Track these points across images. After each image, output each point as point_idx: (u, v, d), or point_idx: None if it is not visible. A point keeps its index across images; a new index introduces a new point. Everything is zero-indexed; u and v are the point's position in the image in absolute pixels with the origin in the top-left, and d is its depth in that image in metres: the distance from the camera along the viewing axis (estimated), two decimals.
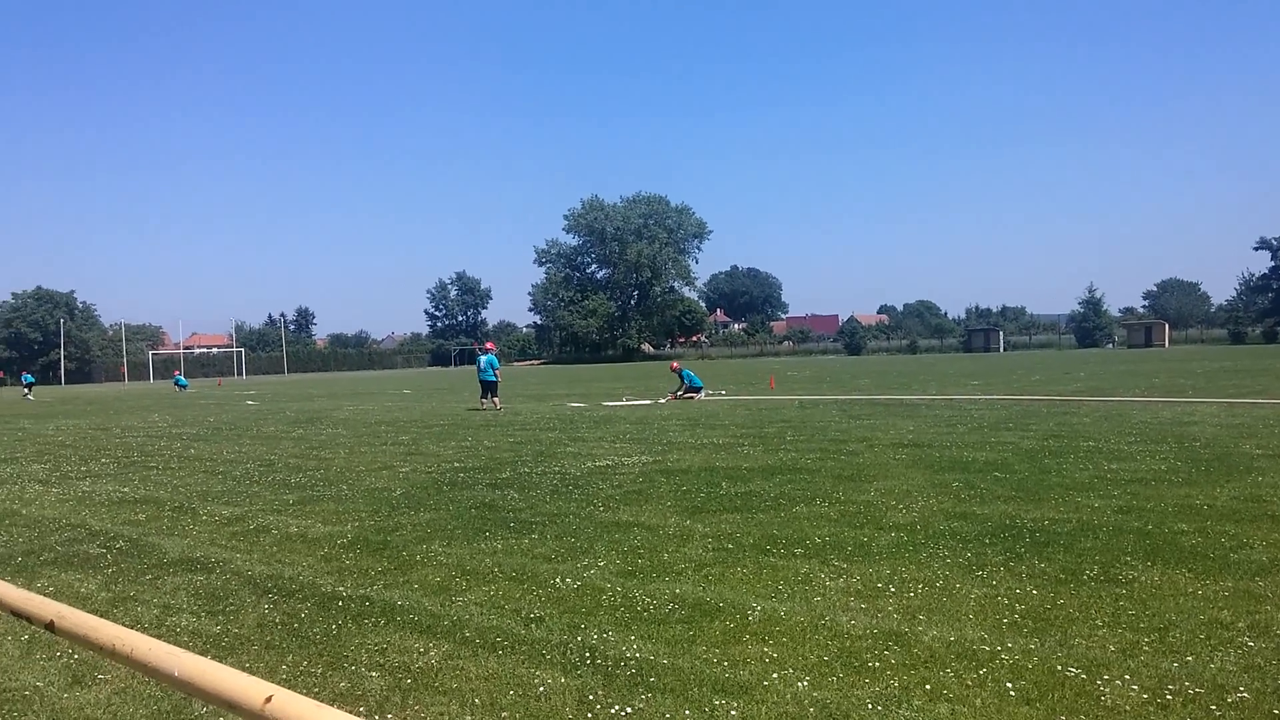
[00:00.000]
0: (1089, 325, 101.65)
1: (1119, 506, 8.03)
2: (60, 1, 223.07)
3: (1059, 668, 4.30)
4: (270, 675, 4.69)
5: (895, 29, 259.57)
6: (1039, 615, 5.10)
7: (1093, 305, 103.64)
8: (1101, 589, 5.55)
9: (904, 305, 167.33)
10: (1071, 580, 5.75)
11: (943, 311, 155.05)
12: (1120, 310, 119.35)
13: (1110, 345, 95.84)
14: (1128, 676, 4.16)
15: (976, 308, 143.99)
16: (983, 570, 6.08)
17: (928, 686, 4.14)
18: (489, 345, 26.84)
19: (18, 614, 1.76)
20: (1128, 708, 3.84)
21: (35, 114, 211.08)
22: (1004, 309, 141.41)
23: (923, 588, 5.72)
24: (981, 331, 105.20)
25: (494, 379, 24.58)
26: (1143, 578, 5.76)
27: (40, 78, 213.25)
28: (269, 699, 1.19)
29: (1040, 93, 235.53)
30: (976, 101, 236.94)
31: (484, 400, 24.64)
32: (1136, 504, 8.11)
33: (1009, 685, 4.11)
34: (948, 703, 3.96)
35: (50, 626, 1.66)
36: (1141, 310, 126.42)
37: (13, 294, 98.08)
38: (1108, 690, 4.02)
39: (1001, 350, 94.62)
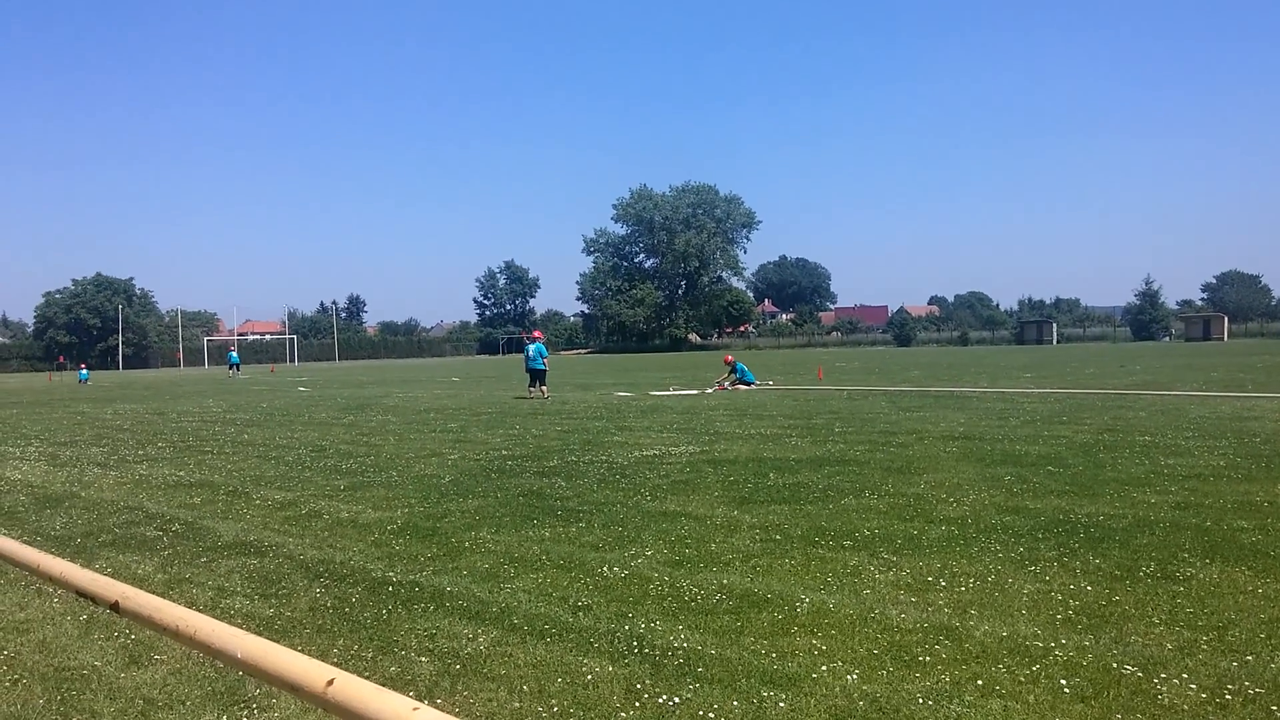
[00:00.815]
0: (1145, 318, 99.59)
1: (1176, 502, 7.86)
2: None
3: (1114, 665, 4.22)
4: (322, 659, 4.75)
5: (950, 15, 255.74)
6: (1094, 612, 5.01)
7: (1149, 297, 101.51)
8: (1158, 586, 5.44)
9: (955, 296, 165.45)
10: (1127, 577, 5.64)
11: (994, 303, 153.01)
12: (1178, 303, 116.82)
13: (1167, 338, 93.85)
14: (1185, 675, 4.07)
15: (1029, 299, 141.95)
16: (1035, 565, 5.98)
17: (979, 682, 4.09)
18: (536, 334, 26.92)
19: (83, 594, 1.80)
20: (1185, 707, 3.76)
21: (96, 103, 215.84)
22: (1057, 301, 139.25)
23: (974, 582, 5.64)
24: (1034, 323, 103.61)
25: (543, 367, 24.66)
26: (1201, 575, 5.63)
27: (103, 69, 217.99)
28: (331, 681, 1.21)
29: (1099, 81, 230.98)
30: (1033, 89, 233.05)
31: (532, 389, 24.75)
32: (1194, 500, 7.93)
33: (1063, 682, 4.05)
34: (1000, 699, 3.91)
35: (115, 607, 1.69)
36: (1200, 303, 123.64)
37: (73, 280, 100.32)
38: (1165, 689, 3.94)
39: (1055, 343, 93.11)
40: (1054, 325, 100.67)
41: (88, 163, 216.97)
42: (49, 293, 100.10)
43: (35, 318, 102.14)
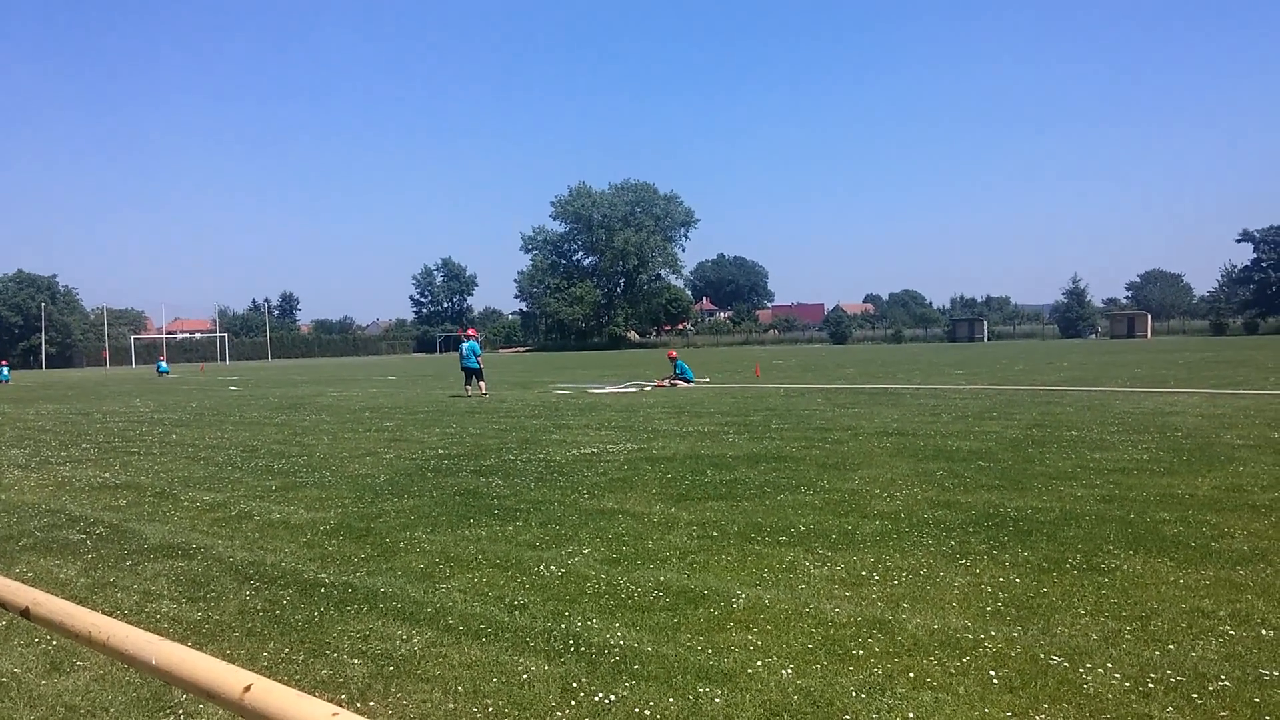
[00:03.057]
0: (1072, 315, 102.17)
1: (1102, 495, 8.07)
2: None
3: (1042, 656, 4.31)
4: (251, 662, 4.67)
5: (879, 14, 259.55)
6: (1022, 604, 5.11)
7: (1076, 295, 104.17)
8: (1084, 577, 5.57)
9: (889, 295, 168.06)
10: (1054, 569, 5.78)
11: (928, 301, 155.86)
12: (1103, 301, 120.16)
13: (1093, 335, 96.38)
14: (1110, 665, 4.18)
15: (961, 297, 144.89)
16: (966, 559, 6.09)
17: (911, 675, 4.15)
18: (471, 332, 26.73)
19: None
20: (1110, 696, 3.86)
21: (18, 98, 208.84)
22: (989, 299, 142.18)
23: (906, 576, 5.73)
24: (966, 321, 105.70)
25: (476, 365, 24.53)
26: (1125, 566, 5.78)
27: (26, 63, 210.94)
28: (248, 688, 1.17)
29: (1026, 80, 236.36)
30: (962, 89, 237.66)
31: (468, 386, 24.58)
32: (1119, 493, 8.15)
33: (992, 674, 4.12)
34: (931, 691, 3.97)
35: (25, 614, 1.63)
36: (1124, 301, 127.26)
37: None
38: (1090, 678, 4.04)
39: (986, 340, 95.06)
40: (985, 323, 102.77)
41: (10, 155, 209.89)
42: None
43: None
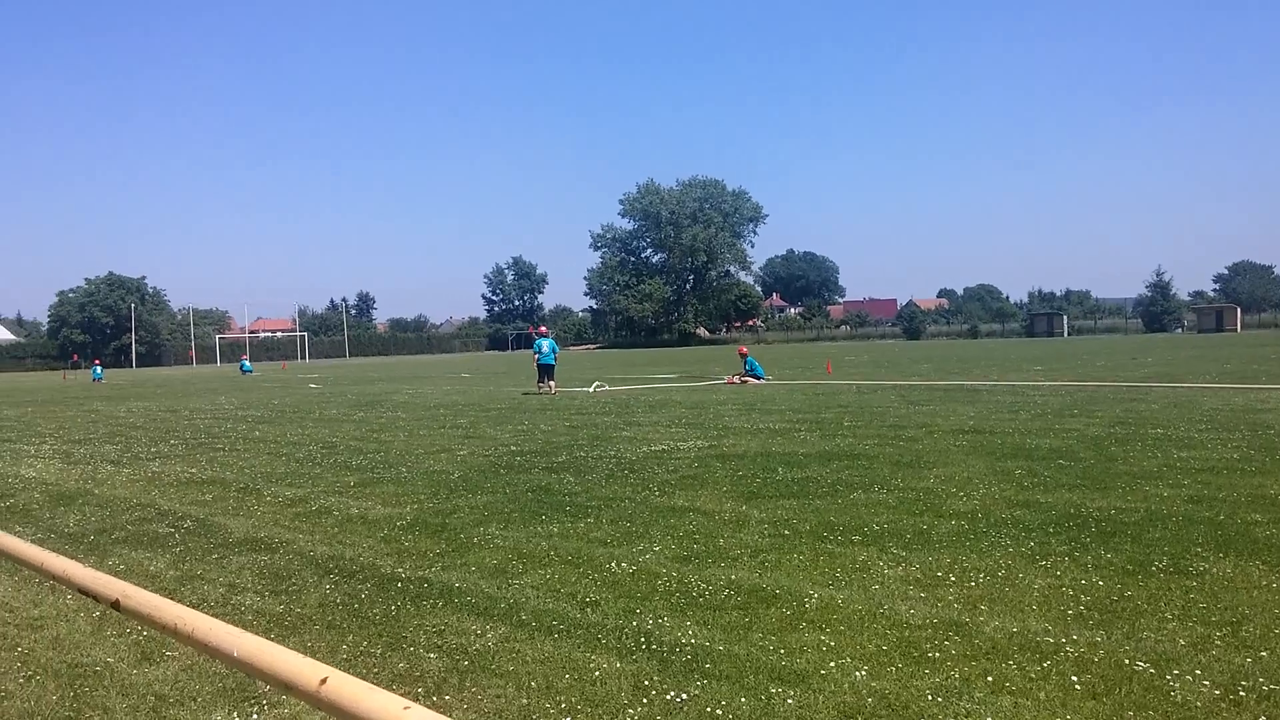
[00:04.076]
0: (1157, 309, 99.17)
1: (1189, 496, 7.80)
2: None
3: (1126, 662, 4.19)
4: (331, 655, 4.77)
5: (957, 7, 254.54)
6: (1105, 607, 4.97)
7: (1161, 289, 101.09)
8: (1171, 581, 5.40)
9: (964, 289, 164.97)
10: (1139, 571, 5.61)
11: (1004, 295, 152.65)
12: (1190, 294, 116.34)
13: (1179, 330, 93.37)
14: (1199, 672, 4.04)
15: (1039, 292, 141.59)
16: (1046, 560, 5.95)
17: (989, 678, 4.07)
18: (543, 329, 26.92)
19: (85, 592, 1.79)
20: (1199, 704, 3.73)
21: (110, 104, 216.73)
22: (1068, 293, 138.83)
23: (984, 577, 5.62)
24: (1045, 316, 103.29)
25: (552, 362, 24.69)
26: (1214, 570, 5.59)
27: (118, 70, 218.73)
28: (324, 680, 1.20)
29: (1105, 64, 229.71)
30: (1042, 79, 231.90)
31: (541, 384, 24.76)
32: (1208, 494, 7.88)
33: (1074, 679, 4.02)
34: (1010, 695, 3.89)
35: (116, 605, 1.68)
36: (1212, 294, 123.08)
37: (86, 280, 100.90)
38: (1177, 685, 3.91)
39: (1065, 335, 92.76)
40: (1064, 318, 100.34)
41: (100, 162, 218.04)
42: (63, 292, 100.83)
43: (49, 317, 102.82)
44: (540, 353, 24.85)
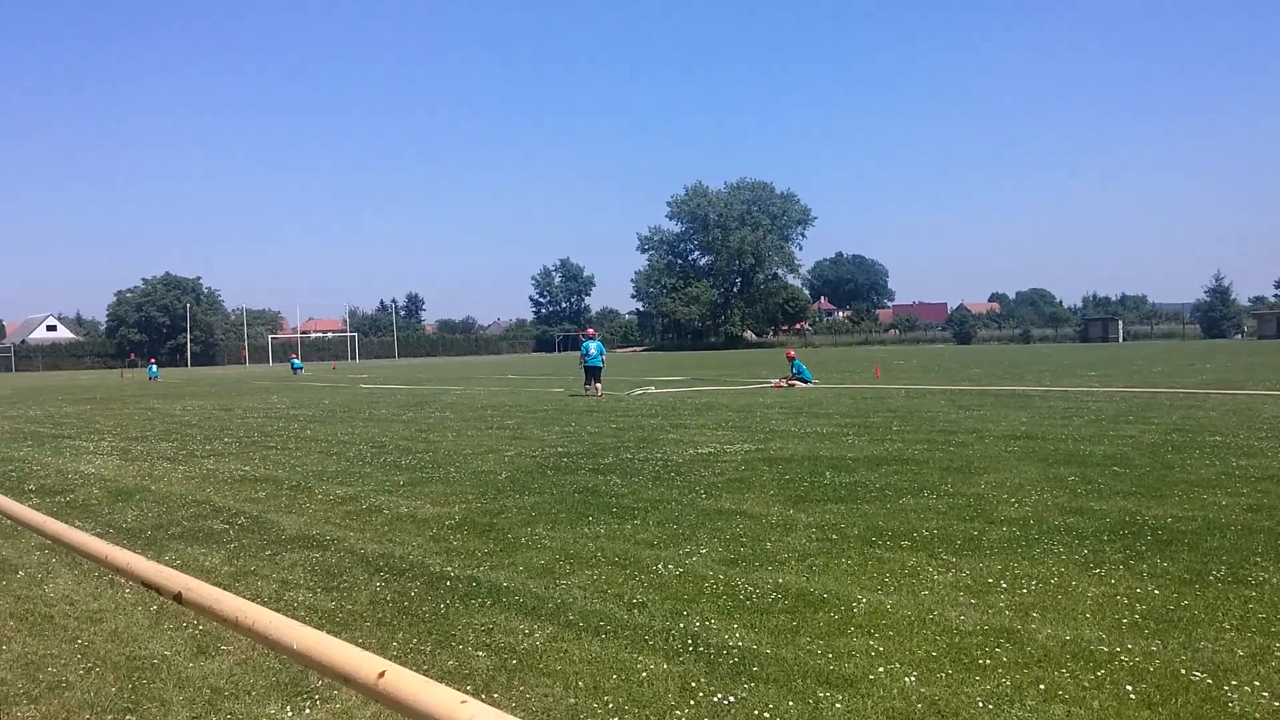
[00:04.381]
0: (1216, 315, 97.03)
1: (1248, 505, 7.62)
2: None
3: (1183, 671, 4.11)
4: (381, 652, 4.83)
5: (1008, 6, 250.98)
6: (1161, 616, 4.88)
7: (1220, 294, 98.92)
8: (1229, 590, 5.28)
9: (1016, 293, 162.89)
10: (1196, 581, 5.49)
11: (1058, 300, 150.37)
12: (1250, 299, 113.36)
13: (1239, 336, 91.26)
14: (1257, 683, 3.95)
15: (1094, 296, 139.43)
16: (1100, 568, 5.85)
17: (1042, 686, 4.01)
18: (590, 331, 27.00)
19: (149, 585, 1.84)
20: (1257, 715, 3.65)
21: (167, 106, 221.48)
22: (1123, 297, 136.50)
23: (1036, 584, 5.54)
24: (1099, 321, 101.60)
25: (600, 364, 24.75)
26: (1274, 579, 5.46)
27: (171, 71, 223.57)
28: (382, 674, 1.22)
29: (1162, 68, 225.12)
30: (1095, 79, 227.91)
31: (588, 386, 24.83)
32: (1268, 502, 7.68)
33: (1129, 688, 3.95)
34: (1063, 704, 3.83)
35: (178, 598, 1.73)
36: (1273, 299, 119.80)
37: (143, 280, 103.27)
38: (1235, 696, 3.83)
39: (1120, 340, 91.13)
40: (1120, 323, 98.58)
41: (158, 164, 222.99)
42: (120, 292, 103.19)
43: (107, 316, 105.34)
44: (587, 355, 24.94)
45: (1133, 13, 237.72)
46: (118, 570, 2.03)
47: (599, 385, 24.76)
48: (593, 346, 24.90)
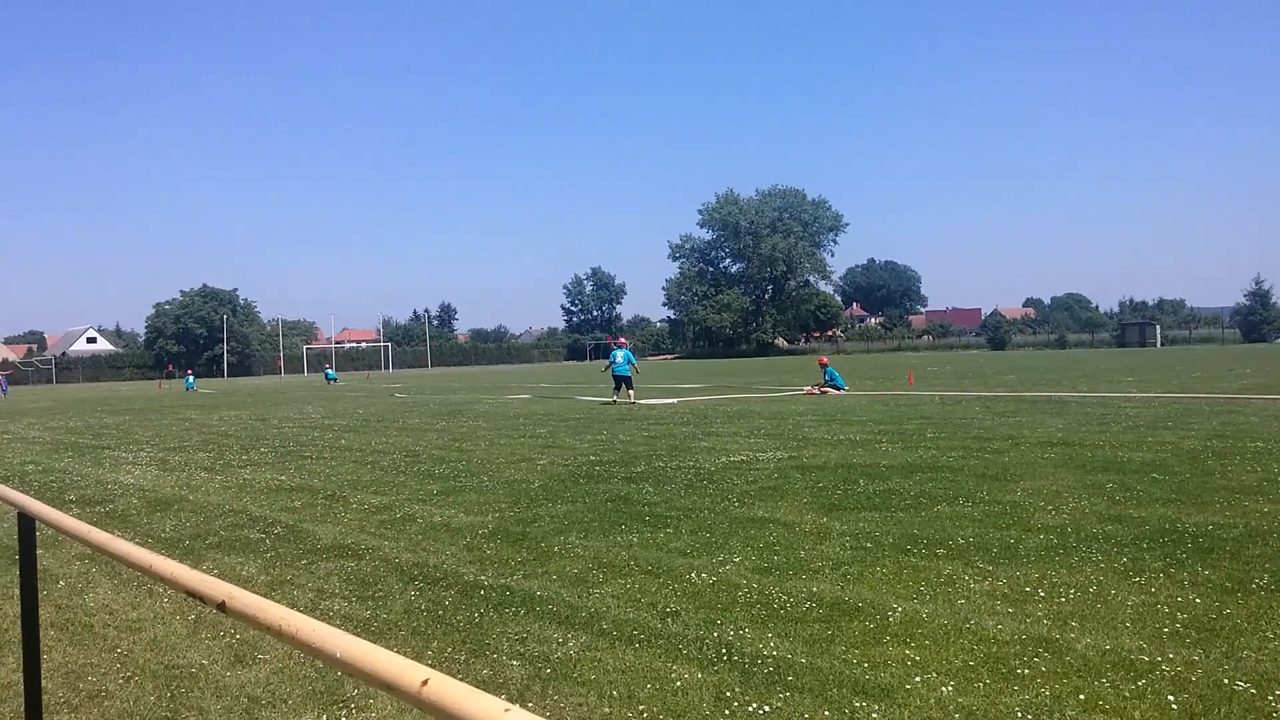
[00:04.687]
0: (1256, 319, 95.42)
1: None
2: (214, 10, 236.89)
3: (1226, 681, 4.04)
4: (416, 660, 4.85)
5: (1042, 10, 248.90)
6: (1203, 625, 4.81)
7: (1260, 297, 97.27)
8: (1273, 599, 5.19)
9: (1051, 298, 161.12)
10: (1239, 589, 5.40)
11: (1093, 305, 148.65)
12: None
13: None
14: None
15: (1130, 301, 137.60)
16: (1140, 576, 5.77)
17: (1082, 696, 3.96)
18: (621, 340, 27.05)
19: (193, 594, 1.87)
20: None
21: (203, 120, 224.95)
22: (1160, 302, 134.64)
23: (1075, 593, 5.47)
24: (1136, 326, 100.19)
25: (628, 373, 24.79)
26: None
27: (210, 86, 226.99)
28: (426, 682, 1.23)
29: (1196, 67, 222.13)
30: (1126, 80, 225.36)
31: (617, 394, 24.87)
32: None
33: (1170, 698, 3.89)
34: (1104, 714, 3.78)
35: (222, 607, 1.75)
36: None
37: (181, 292, 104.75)
38: None
39: (1158, 345, 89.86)
40: (1157, 327, 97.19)
41: (195, 177, 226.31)
42: (159, 304, 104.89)
43: (146, 328, 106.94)
44: (614, 363, 25.01)
45: (1167, 14, 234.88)
46: (162, 580, 2.07)
47: (631, 392, 24.76)
48: (619, 355, 24.97)
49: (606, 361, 26.37)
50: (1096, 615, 5.05)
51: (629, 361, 24.85)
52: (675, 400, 25.80)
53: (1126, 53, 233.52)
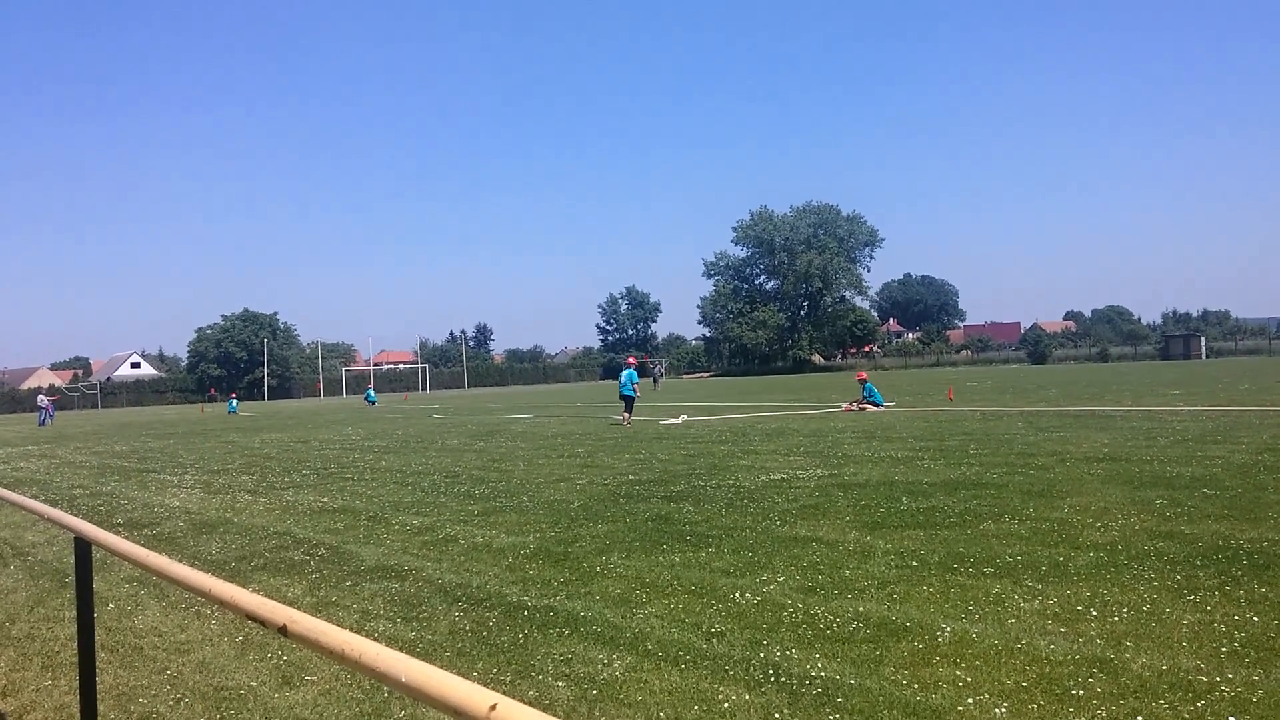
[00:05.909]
0: None
1: None
2: (254, 28, 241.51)
3: None
4: None
5: (1073, 11, 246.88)
6: (1262, 644, 4.70)
7: None
8: None
9: (1092, 311, 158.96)
10: None
11: (1136, 317, 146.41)
12: None
13: None
14: None
15: (1174, 312, 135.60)
16: (1195, 594, 5.66)
17: (1140, 718, 3.88)
18: (630, 360, 26.93)
19: (252, 617, 1.88)
20: None
21: (244, 147, 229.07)
22: (1205, 313, 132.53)
23: (1128, 612, 5.37)
24: (1180, 338, 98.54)
25: (631, 394, 24.64)
26: None
27: (248, 111, 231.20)
28: (493, 707, 1.23)
29: (1240, 76, 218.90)
30: (1167, 89, 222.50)
31: (627, 414, 24.57)
32: None
33: (1232, 719, 3.80)
34: None
35: (283, 630, 1.77)
36: None
37: (222, 316, 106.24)
38: None
39: (1204, 357, 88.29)
40: (1202, 339, 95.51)
41: (237, 203, 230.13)
42: (200, 328, 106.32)
43: (188, 352, 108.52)
44: (620, 383, 24.93)
45: (1211, 23, 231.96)
46: (221, 603, 2.09)
47: (627, 415, 24.49)
48: (623, 375, 24.87)
49: (641, 380, 26.20)
50: (1151, 635, 4.95)
51: (632, 381, 24.74)
52: (714, 418, 25.71)
53: (1168, 63, 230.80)
